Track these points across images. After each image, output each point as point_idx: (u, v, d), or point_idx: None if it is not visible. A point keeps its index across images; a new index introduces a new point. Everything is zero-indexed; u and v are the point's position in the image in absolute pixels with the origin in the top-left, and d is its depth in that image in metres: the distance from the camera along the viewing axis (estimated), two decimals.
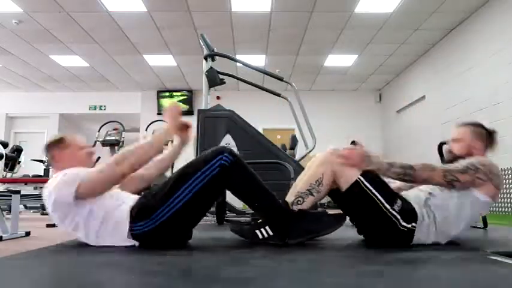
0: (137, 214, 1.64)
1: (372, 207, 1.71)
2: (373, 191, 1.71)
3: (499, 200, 4.72)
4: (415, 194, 1.83)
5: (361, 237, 1.92)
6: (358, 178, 1.72)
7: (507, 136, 4.72)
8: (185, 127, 1.89)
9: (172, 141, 1.93)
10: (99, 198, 1.66)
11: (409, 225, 1.71)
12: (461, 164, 1.76)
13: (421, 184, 1.83)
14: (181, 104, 1.76)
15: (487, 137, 1.97)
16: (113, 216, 1.65)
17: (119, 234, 1.65)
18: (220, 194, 1.77)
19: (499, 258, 1.45)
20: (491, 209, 4.74)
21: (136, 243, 1.67)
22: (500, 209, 4.76)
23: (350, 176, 1.73)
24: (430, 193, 1.80)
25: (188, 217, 1.71)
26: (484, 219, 2.90)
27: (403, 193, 1.85)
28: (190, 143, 1.98)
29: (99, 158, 6.00)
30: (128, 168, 1.66)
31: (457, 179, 1.71)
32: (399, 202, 1.72)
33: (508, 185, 4.67)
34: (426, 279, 1.14)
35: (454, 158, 1.90)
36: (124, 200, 1.70)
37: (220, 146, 1.73)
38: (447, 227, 1.77)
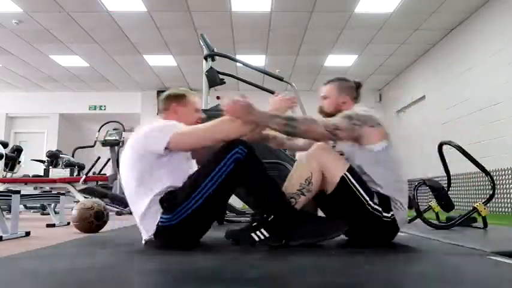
0: (165, 207, 1.64)
1: (357, 204, 1.73)
2: (358, 187, 1.74)
3: (499, 200, 4.72)
4: None
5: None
6: (345, 174, 1.73)
7: (507, 136, 4.72)
8: None
9: None
10: (175, 165, 1.68)
11: (389, 215, 1.73)
12: (337, 116, 1.82)
13: (303, 138, 1.85)
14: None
15: (353, 89, 2.02)
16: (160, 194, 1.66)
17: (152, 216, 1.65)
18: (236, 187, 1.78)
19: (499, 258, 1.45)
20: (491, 209, 4.74)
21: (152, 234, 1.66)
22: (500, 209, 4.76)
23: (336, 172, 1.75)
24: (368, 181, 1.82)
25: (207, 213, 1.71)
26: (484, 219, 2.91)
27: None
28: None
29: (99, 158, 6.02)
30: (224, 136, 1.69)
31: (337, 127, 1.74)
32: (375, 195, 1.75)
33: (508, 185, 4.67)
34: (426, 279, 1.14)
35: (327, 116, 1.94)
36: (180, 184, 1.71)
37: (233, 139, 1.70)
38: (399, 191, 1.79)
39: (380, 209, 1.73)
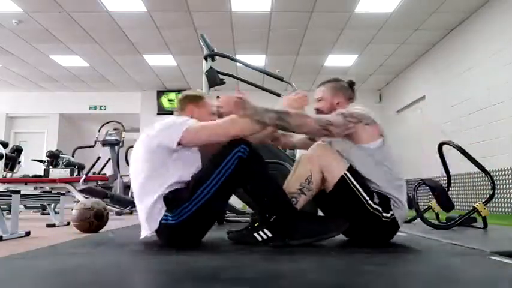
0: (168, 204, 1.64)
1: (357, 203, 1.73)
2: (357, 186, 1.74)
3: (499, 200, 4.72)
4: None
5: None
6: (344, 173, 1.74)
7: (507, 136, 4.72)
8: None
9: None
10: (185, 160, 1.69)
11: (389, 215, 1.73)
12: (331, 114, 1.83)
13: (296, 132, 1.87)
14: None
15: (347, 89, 2.03)
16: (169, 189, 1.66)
17: (157, 212, 1.65)
18: (239, 186, 1.79)
19: (499, 258, 1.45)
20: (491, 209, 4.74)
21: (154, 231, 1.66)
22: (500, 209, 4.76)
23: (336, 171, 1.75)
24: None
25: (211, 212, 1.71)
26: (484, 219, 2.91)
27: None
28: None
29: (98, 158, 6.02)
30: (238, 132, 1.70)
31: (330, 123, 1.74)
32: (375, 195, 1.75)
33: (508, 185, 4.67)
34: (426, 279, 1.14)
35: None
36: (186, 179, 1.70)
37: (236, 139, 1.71)
38: (397, 189, 1.79)
39: (380, 209, 1.73)
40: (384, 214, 1.73)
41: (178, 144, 1.65)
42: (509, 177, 4.64)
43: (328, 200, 1.82)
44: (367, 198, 1.72)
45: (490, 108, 5.08)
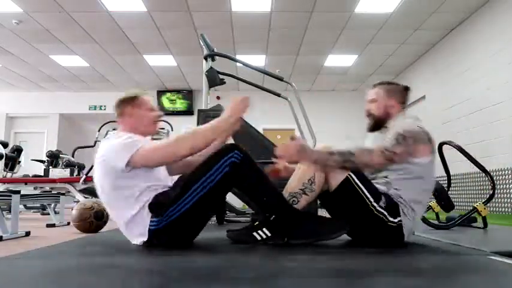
0: (153, 210, 1.64)
1: (360, 204, 1.72)
2: (362, 188, 1.72)
3: (499, 200, 4.72)
4: None
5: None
6: (349, 175, 1.73)
7: (507, 136, 4.72)
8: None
9: None
10: (144, 175, 1.66)
11: (396, 220, 1.72)
12: (390, 138, 1.76)
13: (362, 169, 1.82)
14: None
15: (401, 93, 1.99)
16: (144, 202, 1.65)
17: (140, 222, 1.65)
18: (229, 191, 1.79)
19: (499, 258, 1.45)
20: (491, 209, 4.74)
21: (144, 239, 1.66)
22: (500, 209, 4.76)
23: (340, 173, 1.74)
24: (386, 182, 1.80)
25: (199, 215, 1.71)
26: (484, 219, 2.91)
27: None
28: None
29: None
30: (188, 150, 1.65)
31: (394, 153, 1.71)
32: (383, 198, 1.73)
33: (508, 185, 4.67)
34: (426, 279, 1.14)
35: (375, 121, 1.94)
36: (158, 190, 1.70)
37: (229, 143, 1.72)
38: (418, 202, 1.78)
39: (385, 212, 1.70)
40: (390, 219, 1.71)
41: (127, 166, 1.61)
42: (509, 177, 4.64)
43: (332, 199, 1.82)
44: (372, 200, 1.70)
45: (490, 108, 5.08)
